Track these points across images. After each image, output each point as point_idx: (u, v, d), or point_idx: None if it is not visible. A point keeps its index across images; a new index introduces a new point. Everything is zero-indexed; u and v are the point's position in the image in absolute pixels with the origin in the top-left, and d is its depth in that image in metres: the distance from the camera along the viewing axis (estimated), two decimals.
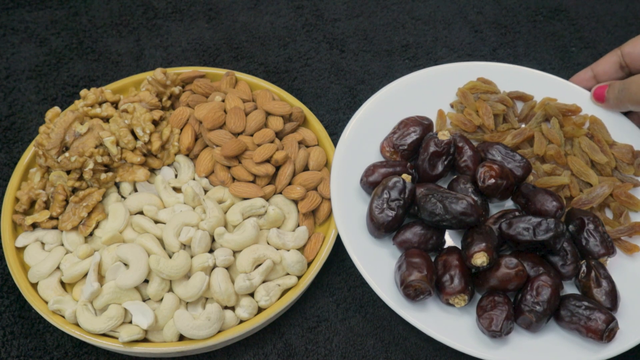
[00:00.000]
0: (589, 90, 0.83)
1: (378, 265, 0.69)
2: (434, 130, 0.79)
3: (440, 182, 0.76)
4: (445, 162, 0.74)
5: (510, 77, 0.84)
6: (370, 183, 0.73)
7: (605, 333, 0.64)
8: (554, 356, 0.65)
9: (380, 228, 0.69)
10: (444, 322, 0.66)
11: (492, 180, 0.70)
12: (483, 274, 0.67)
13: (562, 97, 0.82)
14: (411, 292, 0.65)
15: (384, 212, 0.69)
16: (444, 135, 0.73)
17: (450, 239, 0.73)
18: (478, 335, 0.65)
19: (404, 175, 0.71)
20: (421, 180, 0.75)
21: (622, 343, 0.66)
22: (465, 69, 0.84)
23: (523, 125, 0.81)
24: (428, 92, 0.82)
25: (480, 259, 0.65)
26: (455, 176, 0.74)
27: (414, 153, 0.76)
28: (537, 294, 0.65)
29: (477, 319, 0.65)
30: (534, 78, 0.84)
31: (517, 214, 0.71)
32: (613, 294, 0.67)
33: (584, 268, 0.69)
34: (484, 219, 0.70)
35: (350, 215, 0.71)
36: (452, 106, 0.83)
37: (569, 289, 0.70)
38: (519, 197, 0.73)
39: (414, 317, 0.66)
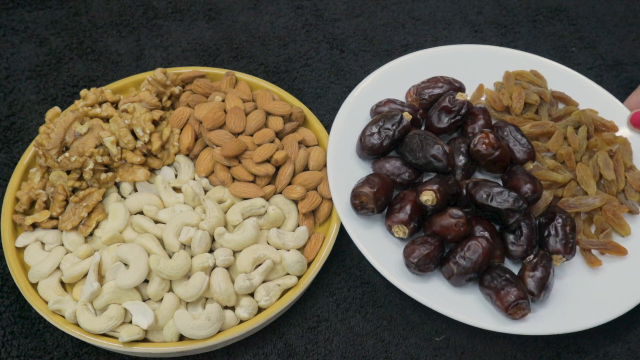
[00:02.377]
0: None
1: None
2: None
3: (443, 138, 0.78)
4: (452, 120, 0.77)
5: (569, 82, 0.85)
6: (378, 112, 0.78)
7: (512, 308, 0.65)
8: (462, 312, 0.66)
9: (364, 149, 0.74)
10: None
11: (483, 147, 0.72)
12: (430, 218, 0.70)
13: (608, 115, 0.82)
14: (357, 203, 0.70)
15: (373, 136, 0.74)
16: (461, 96, 0.77)
17: None
18: (405, 272, 0.69)
19: (405, 113, 0.75)
20: (426, 129, 0.78)
21: (527, 327, 0.66)
22: (524, 59, 0.87)
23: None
24: (471, 68, 0.86)
25: (426, 196, 0.68)
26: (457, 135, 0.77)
27: (431, 105, 0.80)
28: (467, 250, 0.67)
29: (404, 248, 0.69)
30: (588, 89, 0.85)
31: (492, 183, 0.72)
32: (542, 282, 0.67)
33: (532, 257, 0.69)
34: (451, 169, 0.73)
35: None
36: (494, 85, 0.86)
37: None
38: (505, 174, 0.74)
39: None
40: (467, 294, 0.68)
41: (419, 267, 0.67)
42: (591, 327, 0.67)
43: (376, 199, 0.69)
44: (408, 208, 0.70)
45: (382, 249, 0.70)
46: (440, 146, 0.72)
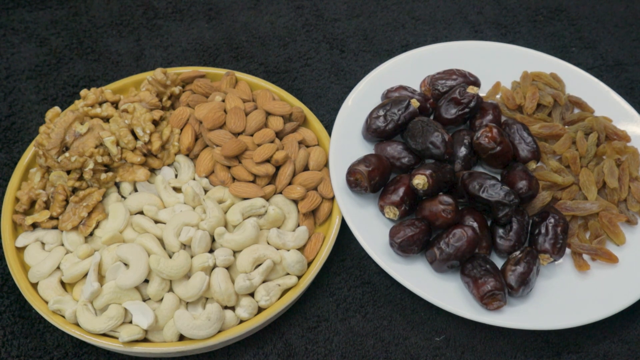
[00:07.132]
0: None
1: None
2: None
3: (450, 130, 0.79)
4: (460, 112, 0.77)
5: (589, 89, 0.85)
6: (388, 97, 0.80)
7: (487, 297, 0.65)
8: (440, 297, 0.67)
9: (369, 130, 0.77)
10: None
11: (485, 140, 0.73)
12: (422, 203, 0.72)
13: (624, 126, 0.82)
14: (352, 180, 0.72)
15: (379, 119, 0.76)
16: (471, 89, 0.77)
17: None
18: (390, 253, 0.70)
19: (413, 100, 0.76)
20: (434, 119, 0.79)
21: (502, 319, 0.66)
22: (550, 62, 0.88)
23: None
24: (493, 65, 0.87)
25: (418, 179, 0.69)
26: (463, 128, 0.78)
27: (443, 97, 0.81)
28: (452, 237, 0.68)
29: (391, 228, 0.70)
30: (608, 99, 0.85)
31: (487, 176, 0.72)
32: (522, 277, 0.67)
33: (518, 252, 0.69)
34: (449, 157, 0.73)
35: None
36: (512, 84, 0.86)
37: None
38: (505, 170, 0.75)
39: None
40: (448, 281, 0.69)
41: (402, 247, 0.68)
42: (565, 328, 0.68)
43: (370, 178, 0.70)
44: (401, 191, 0.71)
45: (371, 228, 0.71)
46: (440, 134, 0.72)
